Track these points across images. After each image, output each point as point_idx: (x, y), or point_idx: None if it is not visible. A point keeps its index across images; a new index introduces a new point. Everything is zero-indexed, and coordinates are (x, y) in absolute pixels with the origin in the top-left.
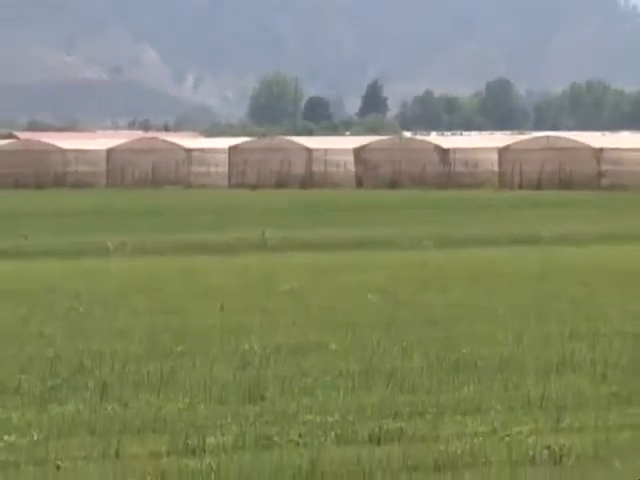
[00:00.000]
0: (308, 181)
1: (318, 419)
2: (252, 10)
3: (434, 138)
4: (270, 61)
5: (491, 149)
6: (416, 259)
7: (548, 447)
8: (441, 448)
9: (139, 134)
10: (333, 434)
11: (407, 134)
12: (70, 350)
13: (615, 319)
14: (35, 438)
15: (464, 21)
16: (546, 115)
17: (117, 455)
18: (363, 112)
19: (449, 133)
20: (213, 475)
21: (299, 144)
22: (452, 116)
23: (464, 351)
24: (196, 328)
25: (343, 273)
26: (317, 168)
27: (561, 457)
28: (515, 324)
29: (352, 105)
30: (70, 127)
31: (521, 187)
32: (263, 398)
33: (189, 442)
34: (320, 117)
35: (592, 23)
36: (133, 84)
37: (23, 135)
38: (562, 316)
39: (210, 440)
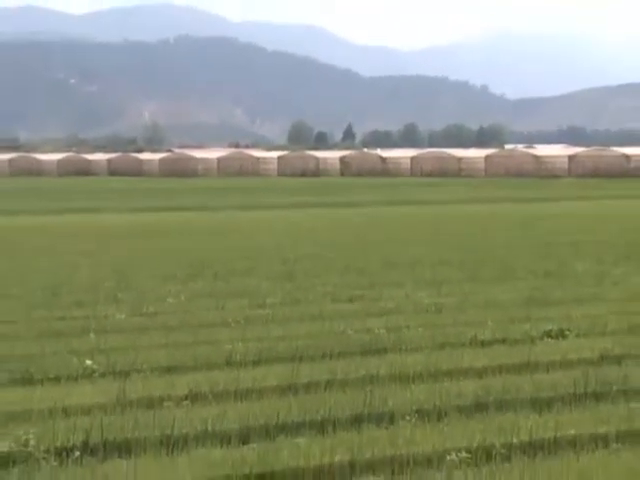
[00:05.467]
0: (316, 173)
1: (322, 290)
2: (287, 88)
3: (379, 152)
4: (297, 115)
5: (407, 157)
6: (371, 213)
7: (435, 304)
8: (382, 305)
9: (233, 150)
10: (329, 297)
11: (365, 150)
12: (207, 257)
13: (481, 245)
14: (182, 299)
15: (395, 96)
16: (434, 141)
17: (222, 308)
18: (344, 139)
19: (387, 149)
20: (270, 318)
21: (312, 155)
22: (387, 141)
23: (395, 258)
24: (259, 247)
25: (334, 219)
26: (321, 166)
27: (441, 309)
28: (424, 244)
29: (338, 136)
30: (200, 146)
31: (422, 176)
32: (294, 279)
33: (258, 302)
34: (322, 142)
35: (454, 95)
36: (229, 125)
37: (177, 150)
38: (444, 240)
39: (268, 300)
